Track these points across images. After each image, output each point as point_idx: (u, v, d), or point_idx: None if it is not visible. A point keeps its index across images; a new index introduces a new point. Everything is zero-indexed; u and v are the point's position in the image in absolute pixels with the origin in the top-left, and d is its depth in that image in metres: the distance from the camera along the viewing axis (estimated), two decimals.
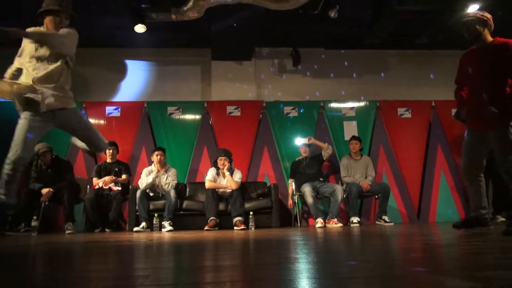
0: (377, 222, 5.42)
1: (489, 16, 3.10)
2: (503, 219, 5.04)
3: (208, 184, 5.28)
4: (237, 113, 6.33)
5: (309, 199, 5.20)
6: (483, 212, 3.15)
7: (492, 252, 2.02)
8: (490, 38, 3.09)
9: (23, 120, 2.77)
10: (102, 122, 6.15)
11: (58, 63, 2.82)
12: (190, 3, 4.98)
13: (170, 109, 6.25)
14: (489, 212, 3.25)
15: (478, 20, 3.08)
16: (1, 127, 5.90)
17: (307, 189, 5.27)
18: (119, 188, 5.31)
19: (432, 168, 6.17)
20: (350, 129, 6.31)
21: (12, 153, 2.67)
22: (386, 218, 5.31)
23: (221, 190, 5.29)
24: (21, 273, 1.65)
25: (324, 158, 5.74)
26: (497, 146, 2.94)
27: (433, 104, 6.47)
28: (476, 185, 3.13)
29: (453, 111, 6.28)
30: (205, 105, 6.34)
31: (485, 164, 3.14)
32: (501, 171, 2.93)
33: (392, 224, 5.25)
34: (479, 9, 3.20)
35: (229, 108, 6.33)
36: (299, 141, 5.85)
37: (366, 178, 5.62)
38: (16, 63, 2.90)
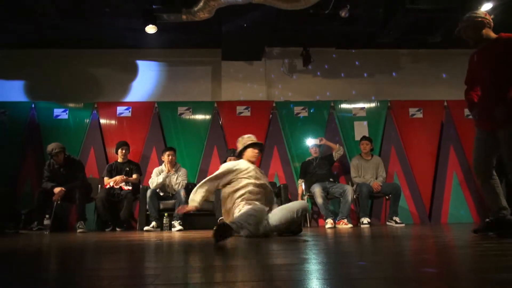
0: (388, 223, 5.37)
1: (482, 14, 2.92)
2: None
3: None
4: (247, 113, 6.33)
5: (319, 200, 5.17)
6: (504, 213, 2.95)
7: (506, 254, 1.99)
8: (493, 35, 2.90)
9: None
10: (113, 122, 6.21)
11: None
12: (201, 4, 5.00)
13: (181, 109, 6.28)
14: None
15: (478, 22, 2.91)
16: (15, 126, 6.03)
17: (317, 189, 5.24)
18: (130, 188, 5.35)
19: (444, 168, 6.09)
20: (361, 129, 6.26)
21: None
22: (397, 219, 5.26)
23: None
24: (33, 271, 1.67)
25: (335, 159, 5.71)
26: (505, 146, 2.81)
27: (446, 103, 6.39)
28: (490, 185, 2.96)
29: (466, 111, 6.23)
30: (215, 105, 6.36)
31: (494, 164, 2.97)
32: (507, 171, 2.80)
33: (403, 225, 5.20)
34: (472, 11, 3.01)
35: (239, 108, 6.33)
36: (310, 142, 5.83)
37: (376, 178, 5.58)
38: None
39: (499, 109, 2.77)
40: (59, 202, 4.99)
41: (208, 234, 4.13)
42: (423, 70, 7.01)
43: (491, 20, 2.93)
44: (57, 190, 4.93)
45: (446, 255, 2.02)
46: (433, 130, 6.31)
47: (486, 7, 5.38)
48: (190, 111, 6.29)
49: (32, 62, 6.69)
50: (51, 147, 5.02)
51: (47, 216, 4.75)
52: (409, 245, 2.67)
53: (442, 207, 5.98)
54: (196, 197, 3.28)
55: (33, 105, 6.20)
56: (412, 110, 6.39)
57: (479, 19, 2.90)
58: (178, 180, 5.36)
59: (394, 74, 7.07)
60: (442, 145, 6.19)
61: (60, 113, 6.18)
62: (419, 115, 6.38)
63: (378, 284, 1.23)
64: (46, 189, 4.99)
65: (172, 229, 4.93)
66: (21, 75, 6.71)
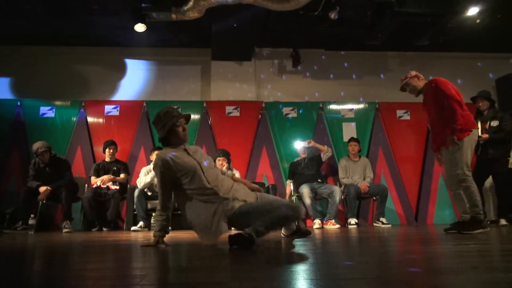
0: (374, 224, 5.42)
1: (414, 72, 3.74)
2: (505, 222, 5.04)
3: None
4: (236, 113, 6.32)
5: (307, 200, 5.19)
6: (467, 216, 3.50)
7: (490, 255, 2.02)
8: (423, 83, 3.70)
9: None
10: (101, 121, 6.14)
11: None
12: (191, 3, 4.98)
13: None
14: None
15: (411, 79, 3.71)
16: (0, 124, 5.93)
17: (305, 190, 5.26)
18: (117, 187, 5.30)
19: (431, 170, 6.17)
20: (349, 131, 6.31)
21: None
22: (383, 219, 5.31)
23: None
24: (17, 271, 1.64)
25: (323, 160, 5.74)
26: (445, 166, 3.62)
27: None
28: (458, 194, 3.54)
29: None
30: (205, 105, 6.34)
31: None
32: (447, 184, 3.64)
33: (390, 225, 5.25)
34: (408, 72, 3.80)
35: (229, 108, 6.32)
36: (299, 144, 5.85)
37: (364, 179, 5.62)
38: None
39: (449, 140, 3.44)
40: (44, 201, 4.91)
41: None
42: None
43: (420, 74, 3.76)
44: (42, 189, 4.85)
45: (431, 255, 2.04)
46: (420, 132, 6.38)
47: (473, 11, 5.47)
48: (179, 110, 6.25)
49: (18, 59, 6.58)
50: (36, 146, 4.94)
51: (32, 215, 4.67)
52: (395, 245, 2.70)
53: (428, 208, 6.05)
54: None
55: (18, 103, 6.10)
56: (399, 112, 6.46)
57: (413, 75, 3.72)
58: None
59: (382, 76, 7.13)
60: (429, 146, 6.26)
61: (47, 111, 6.09)
62: (407, 117, 6.45)
63: (365, 284, 1.24)
64: (31, 188, 4.91)
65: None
66: (6, 72, 6.59)
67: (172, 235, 3.86)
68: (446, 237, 3.08)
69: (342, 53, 7.08)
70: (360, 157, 5.83)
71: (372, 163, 5.91)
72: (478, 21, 5.74)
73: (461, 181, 3.41)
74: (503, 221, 5.05)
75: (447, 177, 3.63)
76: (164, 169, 2.54)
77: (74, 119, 6.09)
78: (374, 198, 5.60)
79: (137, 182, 5.28)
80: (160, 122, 2.69)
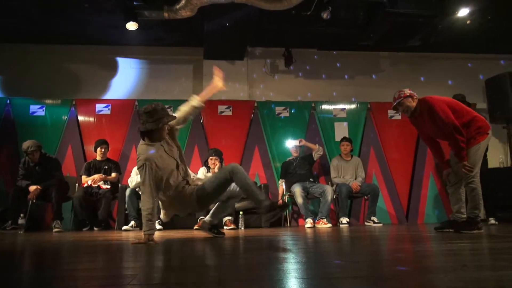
0: (366, 223, 5.46)
1: (408, 92, 3.61)
2: (494, 221, 5.11)
3: None
4: (229, 112, 6.31)
5: (299, 199, 5.21)
6: (461, 216, 3.62)
7: (479, 253, 2.05)
8: (415, 104, 3.60)
9: None
10: (92, 119, 6.09)
11: None
12: (183, 2, 4.96)
13: None
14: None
15: (405, 98, 3.58)
16: None
17: (297, 189, 5.28)
18: (108, 187, 5.27)
19: (421, 170, 6.22)
20: (341, 130, 6.33)
21: None
22: (375, 219, 5.35)
23: None
24: (7, 272, 1.63)
25: (314, 159, 5.77)
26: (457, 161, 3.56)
27: None
28: (458, 193, 3.63)
29: None
30: None
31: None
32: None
33: (381, 225, 5.29)
34: (399, 90, 3.70)
35: (221, 108, 6.31)
36: (290, 143, 5.86)
37: (356, 179, 5.66)
38: None
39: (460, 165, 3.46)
40: (34, 200, 4.86)
41: (188, 233, 4.11)
42: (402, 73, 7.13)
43: (413, 93, 3.63)
44: (32, 188, 4.80)
45: (421, 254, 2.06)
46: (411, 132, 6.40)
47: (463, 12, 5.53)
48: (170, 110, 6.22)
49: (8, 57, 6.50)
50: (26, 145, 4.88)
51: (22, 215, 4.61)
52: (386, 244, 2.72)
53: (419, 208, 6.10)
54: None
55: (8, 101, 6.02)
56: (391, 112, 6.49)
57: (408, 94, 3.59)
58: None
59: (374, 76, 7.17)
60: (420, 146, 6.32)
61: (37, 109, 6.03)
62: (398, 117, 6.48)
63: (356, 283, 1.25)
64: (21, 188, 4.86)
65: None
66: None
67: (163, 234, 3.85)
68: (436, 236, 3.11)
69: (334, 53, 7.11)
70: (352, 156, 5.86)
71: (363, 163, 5.94)
72: (468, 22, 5.80)
73: (469, 182, 3.46)
74: (492, 220, 5.12)
75: (452, 175, 3.63)
76: (152, 170, 2.75)
77: (65, 117, 6.03)
78: (366, 197, 5.64)
79: (128, 181, 5.25)
80: (155, 115, 2.78)
